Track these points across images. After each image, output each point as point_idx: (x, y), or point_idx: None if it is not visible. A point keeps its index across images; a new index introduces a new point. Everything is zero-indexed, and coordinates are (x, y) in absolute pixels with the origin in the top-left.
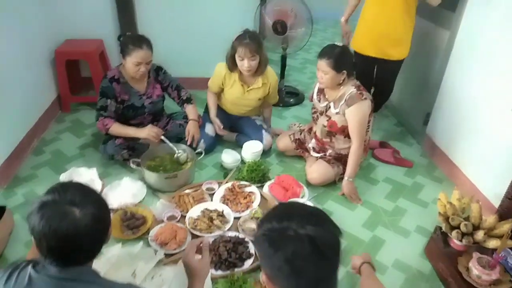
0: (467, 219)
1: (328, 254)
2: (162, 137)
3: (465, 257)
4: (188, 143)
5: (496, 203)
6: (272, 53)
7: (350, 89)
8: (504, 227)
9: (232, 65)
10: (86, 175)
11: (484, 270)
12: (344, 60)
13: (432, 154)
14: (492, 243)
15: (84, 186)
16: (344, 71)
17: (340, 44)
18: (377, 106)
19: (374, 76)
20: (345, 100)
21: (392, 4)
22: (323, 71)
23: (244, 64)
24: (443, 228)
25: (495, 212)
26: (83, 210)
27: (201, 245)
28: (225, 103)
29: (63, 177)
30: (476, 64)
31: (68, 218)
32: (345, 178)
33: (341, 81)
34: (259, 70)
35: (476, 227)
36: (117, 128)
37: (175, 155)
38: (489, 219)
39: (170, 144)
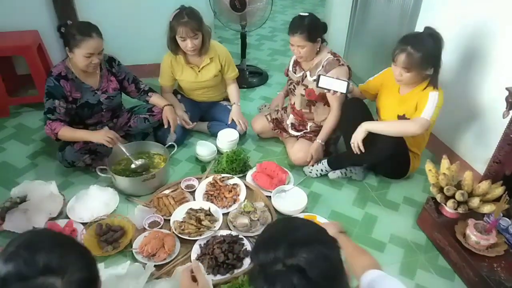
0: (457, 186)
1: (323, 283)
2: (119, 145)
3: (461, 224)
4: (172, 129)
5: (474, 164)
6: (223, 31)
7: (326, 56)
8: (496, 191)
9: (174, 47)
10: (43, 189)
11: (482, 235)
12: (317, 29)
13: None
14: (487, 208)
15: (57, 236)
16: (319, 39)
17: (305, 14)
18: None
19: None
20: (322, 66)
21: None
22: (299, 45)
23: (188, 44)
24: (438, 199)
25: (483, 177)
26: (66, 276)
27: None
28: (185, 92)
29: (15, 192)
30: (445, 23)
31: None
32: (317, 140)
33: (318, 49)
34: (203, 48)
35: (469, 194)
36: (66, 132)
37: (132, 165)
38: (482, 185)
39: (128, 154)
